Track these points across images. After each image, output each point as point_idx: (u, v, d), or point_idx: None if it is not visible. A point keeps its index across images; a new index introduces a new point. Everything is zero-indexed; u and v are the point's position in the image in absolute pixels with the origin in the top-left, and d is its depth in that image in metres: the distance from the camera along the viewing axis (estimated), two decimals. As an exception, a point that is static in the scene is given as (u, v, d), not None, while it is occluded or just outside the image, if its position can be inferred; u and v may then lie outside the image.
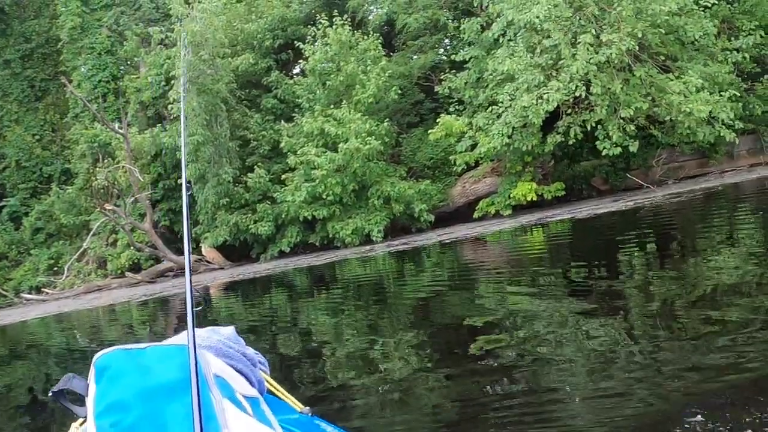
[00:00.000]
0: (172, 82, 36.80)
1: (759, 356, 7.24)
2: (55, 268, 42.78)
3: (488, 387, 8.04)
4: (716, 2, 31.28)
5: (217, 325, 3.56)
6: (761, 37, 33.13)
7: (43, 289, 41.00)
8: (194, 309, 2.66)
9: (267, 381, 3.56)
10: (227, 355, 3.25)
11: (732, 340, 7.93)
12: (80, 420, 3.00)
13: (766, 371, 6.74)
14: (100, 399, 2.52)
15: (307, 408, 3.53)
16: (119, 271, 39.34)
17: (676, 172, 35.02)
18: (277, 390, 3.67)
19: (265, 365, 3.61)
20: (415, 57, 40.62)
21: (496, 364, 8.98)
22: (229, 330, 3.55)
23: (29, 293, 41.51)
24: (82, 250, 39.81)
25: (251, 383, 3.20)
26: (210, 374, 2.67)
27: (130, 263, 39.01)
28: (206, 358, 2.78)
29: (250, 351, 3.48)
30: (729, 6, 34.64)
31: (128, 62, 45.94)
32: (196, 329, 2.59)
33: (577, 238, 23.09)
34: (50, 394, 2.75)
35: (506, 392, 7.81)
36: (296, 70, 43.78)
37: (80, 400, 2.71)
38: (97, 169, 39.23)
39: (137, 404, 2.45)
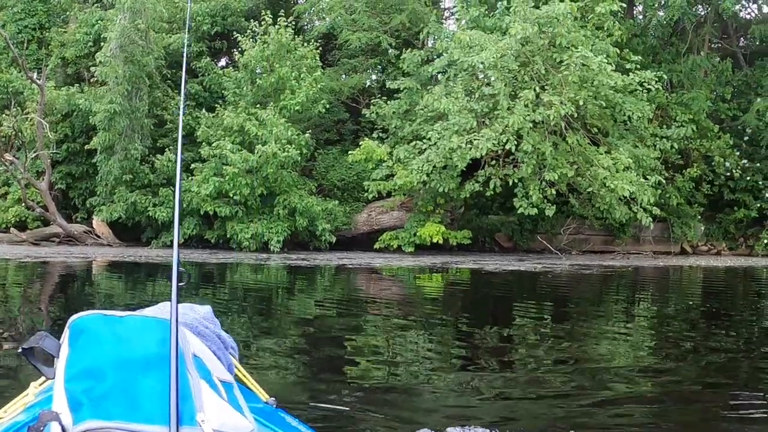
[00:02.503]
0: (102, 44, 35.69)
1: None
2: (-61, 211, 41.16)
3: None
4: (658, 87, 31.43)
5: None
6: (693, 131, 33.53)
7: None
8: (179, 284, 2.55)
9: (236, 366, 3.55)
10: (203, 335, 3.24)
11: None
12: (41, 379, 3.09)
13: None
14: (73, 362, 2.43)
15: (273, 398, 3.46)
16: (4, 226, 37.93)
17: (580, 244, 35.58)
18: (245, 377, 3.64)
19: (235, 350, 3.61)
20: (345, 76, 40.29)
21: (364, 390, 8.88)
22: (206, 309, 3.60)
23: None
24: (-31, 197, 38.35)
25: (224, 366, 3.08)
26: (189, 353, 2.60)
27: (16, 220, 37.59)
28: (186, 337, 2.70)
29: (224, 334, 3.50)
30: (666, 94, 34.94)
31: (58, 15, 44.61)
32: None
33: (481, 290, 22.96)
34: (20, 350, 2.64)
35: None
36: (222, 62, 43.14)
37: (49, 360, 2.59)
38: (4, 116, 37.86)
39: (112, 374, 2.37)
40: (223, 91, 37.21)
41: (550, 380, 9.09)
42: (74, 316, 2.57)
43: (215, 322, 3.52)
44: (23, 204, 36.83)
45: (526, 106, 29.31)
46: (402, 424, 7.26)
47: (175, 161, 34.30)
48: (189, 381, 2.41)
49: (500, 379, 9.36)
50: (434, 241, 32.40)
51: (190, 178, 34.22)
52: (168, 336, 2.36)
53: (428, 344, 12.12)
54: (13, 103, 37.91)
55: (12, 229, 36.90)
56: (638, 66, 31.09)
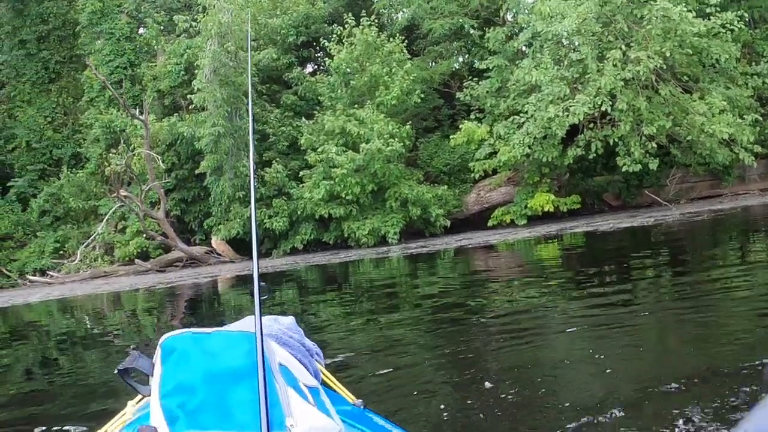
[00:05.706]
0: (195, 71, 36.82)
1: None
2: (61, 252, 42.54)
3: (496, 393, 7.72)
4: (741, 26, 31.45)
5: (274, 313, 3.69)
6: (783, 63, 33.37)
7: (48, 272, 40.82)
8: (261, 298, 2.66)
9: (322, 372, 3.67)
10: (288, 345, 3.37)
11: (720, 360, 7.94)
12: (138, 398, 3.18)
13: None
14: (167, 380, 2.61)
15: (360, 400, 3.56)
16: (126, 259, 39.16)
17: (687, 192, 35.37)
18: (331, 381, 3.76)
19: (321, 356, 3.71)
20: (432, 63, 40.87)
21: (511, 373, 8.67)
22: (290, 320, 3.71)
23: (34, 275, 41.30)
24: (94, 235, 39.61)
25: (310, 373, 3.24)
26: (275, 362, 2.74)
27: (138, 251, 38.82)
28: (271, 347, 2.86)
29: (308, 342, 3.61)
30: (750, 31, 34.83)
31: (145, 51, 45.79)
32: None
33: (601, 250, 22.89)
34: (116, 371, 2.79)
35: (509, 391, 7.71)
36: (308, 69, 43.97)
37: (144, 378, 2.80)
38: (111, 154, 39.11)
39: (203, 387, 2.54)
40: (318, 97, 38.07)
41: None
42: (164, 336, 2.72)
43: (299, 331, 3.62)
44: (143, 235, 38.08)
45: (614, 65, 29.65)
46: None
47: (281, 172, 35.41)
48: (276, 389, 2.55)
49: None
50: (545, 210, 32.93)
51: (300, 185, 35.23)
52: (254, 348, 2.46)
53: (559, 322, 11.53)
54: (121, 141, 39.11)
55: (136, 260, 38.15)
56: (718, 8, 30.89)
